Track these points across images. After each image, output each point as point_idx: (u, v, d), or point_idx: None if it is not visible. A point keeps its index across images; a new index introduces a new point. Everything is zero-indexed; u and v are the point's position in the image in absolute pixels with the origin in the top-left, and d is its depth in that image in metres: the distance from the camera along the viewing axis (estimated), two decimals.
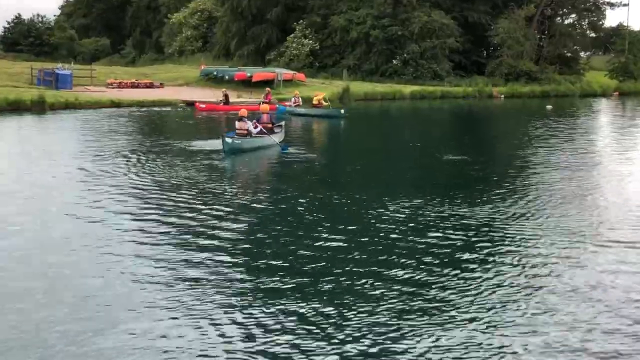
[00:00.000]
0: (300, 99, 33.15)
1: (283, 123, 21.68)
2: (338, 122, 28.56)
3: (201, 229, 9.60)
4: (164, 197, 11.82)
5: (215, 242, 8.94)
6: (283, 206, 11.21)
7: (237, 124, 18.79)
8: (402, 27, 56.63)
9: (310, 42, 60.32)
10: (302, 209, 11.00)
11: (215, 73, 47.86)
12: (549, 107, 40.41)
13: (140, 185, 12.78)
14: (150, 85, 45.17)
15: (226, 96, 33.69)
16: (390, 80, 55.52)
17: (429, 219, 10.38)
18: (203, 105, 32.93)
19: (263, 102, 32.59)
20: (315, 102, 31.67)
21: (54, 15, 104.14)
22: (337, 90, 45.63)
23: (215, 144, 18.89)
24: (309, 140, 22.93)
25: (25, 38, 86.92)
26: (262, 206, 11.18)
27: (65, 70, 41.56)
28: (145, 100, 36.27)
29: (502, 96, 52.95)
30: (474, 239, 9.34)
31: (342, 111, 29.86)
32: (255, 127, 18.89)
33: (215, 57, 68.68)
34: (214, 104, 33.38)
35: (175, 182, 13.11)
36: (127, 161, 15.65)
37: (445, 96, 50.83)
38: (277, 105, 33.01)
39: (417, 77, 55.94)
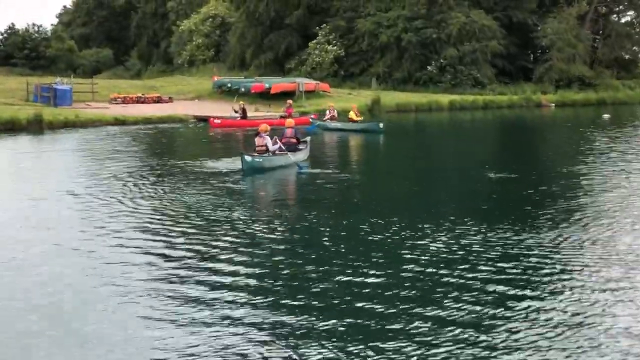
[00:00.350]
0: (335, 111, 33.49)
1: (308, 139, 21.69)
2: (376, 137, 28.47)
3: (216, 263, 9.53)
4: (174, 226, 11.80)
5: (232, 278, 8.86)
6: (307, 236, 11.10)
7: (256, 140, 19.09)
8: (437, 29, 56.73)
9: (335, 48, 60.63)
10: (330, 238, 10.90)
11: (229, 85, 48.27)
12: (605, 116, 39.98)
13: (148, 212, 12.79)
14: (158, 100, 45.66)
15: (243, 110, 33.96)
16: (425, 90, 55.51)
17: (475, 248, 10.19)
18: (218, 121, 33.26)
19: (283, 116, 32.89)
20: (351, 115, 31.92)
21: (51, 25, 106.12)
22: (366, 102, 45.69)
23: (232, 163, 19.11)
24: (339, 158, 22.88)
25: (20, 50, 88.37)
26: (283, 236, 11.09)
27: (64, 85, 42.25)
28: (152, 116, 36.65)
29: (553, 105, 52.59)
30: (524, 271, 9.14)
31: (381, 125, 29.94)
32: (275, 144, 19.10)
33: (229, 68, 69.33)
34: (230, 119, 33.63)
35: (186, 209, 13.10)
36: (134, 186, 15.70)
37: (488, 106, 50.62)
38: (311, 120, 33.17)
39: (455, 85, 55.89)
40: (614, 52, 63.23)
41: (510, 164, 20.72)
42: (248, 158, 17.77)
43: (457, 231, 11.14)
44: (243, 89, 45.92)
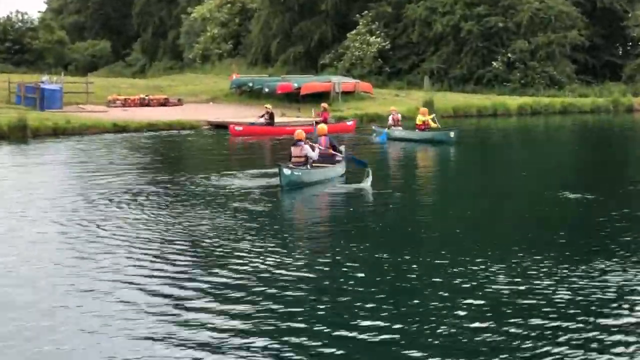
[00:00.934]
0: (399, 115, 33.40)
1: (343, 148, 21.65)
2: (446, 149, 28.29)
3: (244, 307, 9.52)
4: (191, 257, 11.81)
5: (263, 328, 8.87)
6: (361, 274, 10.99)
7: (293, 150, 19.43)
8: (504, 17, 56.58)
9: (379, 40, 60.75)
10: (387, 271, 10.88)
11: (250, 84, 48.56)
12: None
13: (155, 240, 12.81)
14: (165, 103, 46.01)
15: (270, 115, 34.06)
16: (489, 90, 55.28)
17: (543, 291, 10.07)
18: (239, 128, 33.56)
19: (317, 122, 32.95)
20: (419, 122, 31.24)
21: (38, 12, 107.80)
22: (416, 105, 45.56)
23: (258, 179, 19.45)
24: (398, 174, 22.80)
25: (1, 42, 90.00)
26: (326, 270, 11.06)
27: (52, 84, 42.84)
28: (158, 122, 36.96)
29: None
30: (613, 319, 9.01)
31: (452, 134, 29.79)
32: (314, 150, 19.56)
33: (250, 64, 69.78)
34: (255, 126, 33.77)
35: (205, 236, 13.09)
36: (137, 207, 15.74)
37: (567, 110, 50.19)
38: (375, 128, 33.32)
39: (526, 84, 55.61)
40: None
41: (592, 182, 20.47)
42: (287, 171, 17.99)
43: (524, 267, 11.03)
44: (267, 90, 46.10)
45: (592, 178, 21.82)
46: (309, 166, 19.21)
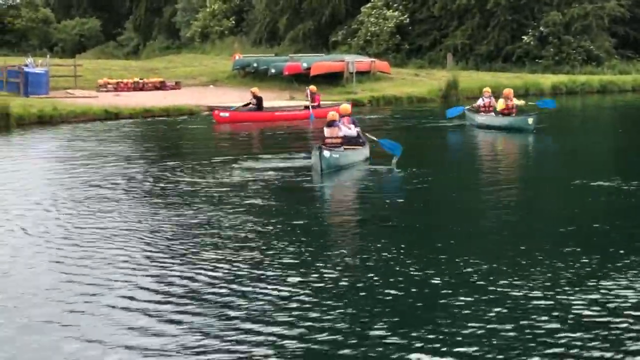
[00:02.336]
0: (493, 99, 30.30)
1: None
2: (524, 137, 27.01)
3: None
4: (205, 265, 11.84)
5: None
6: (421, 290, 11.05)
7: (327, 131, 20.29)
8: None
9: (397, 14, 60.68)
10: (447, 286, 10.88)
11: (255, 65, 48.62)
12: None
13: (161, 248, 12.81)
14: (161, 86, 46.14)
15: (258, 99, 33.61)
16: (519, 68, 55.24)
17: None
18: (225, 114, 32.84)
19: (310, 107, 33.31)
20: (502, 106, 29.07)
21: None
22: (439, 85, 45.51)
23: (284, 163, 20.22)
24: (450, 167, 22.57)
25: None
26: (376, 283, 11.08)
27: (37, 67, 42.92)
28: (154, 107, 37.06)
29: None
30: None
31: (530, 121, 27.74)
32: (351, 128, 20.52)
33: (255, 42, 69.86)
34: (243, 112, 33.33)
35: (228, 240, 13.06)
36: (137, 206, 15.75)
37: (607, 89, 50.01)
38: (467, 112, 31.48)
39: (560, 61, 55.50)
40: None
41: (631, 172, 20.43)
42: (327, 153, 18.64)
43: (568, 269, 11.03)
44: (273, 71, 46.17)
45: (632, 167, 21.73)
46: (343, 148, 19.92)
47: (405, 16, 60.92)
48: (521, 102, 29.68)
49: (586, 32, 56.17)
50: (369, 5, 61.85)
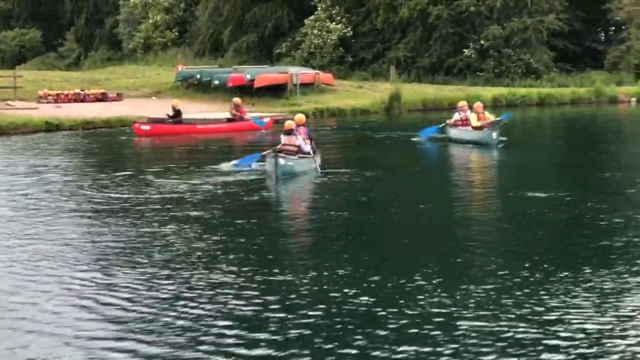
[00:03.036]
0: (469, 113, 29.10)
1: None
2: (489, 152, 26.66)
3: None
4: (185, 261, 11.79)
5: None
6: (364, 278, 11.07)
7: (285, 139, 21.00)
8: (476, 0, 56.86)
9: (340, 26, 60.91)
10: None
11: (198, 76, 48.43)
12: None
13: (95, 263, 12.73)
14: (102, 98, 45.70)
15: (177, 112, 33.21)
16: (460, 81, 55.73)
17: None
18: (146, 127, 32.42)
19: (233, 119, 33.65)
20: (475, 121, 28.43)
21: None
22: (382, 97, 45.82)
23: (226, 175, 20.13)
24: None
25: None
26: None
27: None
28: (95, 119, 36.81)
29: (633, 100, 52.64)
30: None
31: (494, 135, 27.36)
32: (306, 144, 21.22)
33: (198, 53, 69.60)
34: (164, 125, 32.92)
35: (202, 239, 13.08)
36: (78, 224, 15.67)
37: (545, 102, 50.70)
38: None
39: (500, 74, 56.13)
40: None
41: (575, 181, 20.75)
42: (282, 161, 19.50)
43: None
44: (217, 82, 46.01)
45: (574, 176, 22.09)
46: (297, 156, 20.61)
47: (349, 29, 61.16)
48: (492, 117, 29.13)
49: (525, 46, 56.93)
50: (312, 17, 61.98)
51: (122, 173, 21.52)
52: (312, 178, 20.44)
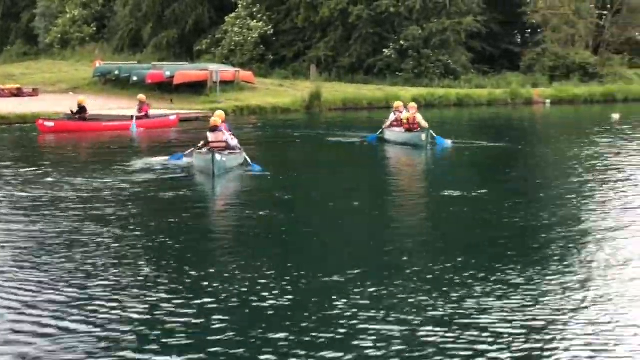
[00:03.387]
0: (404, 113, 29.16)
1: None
2: (419, 153, 26.83)
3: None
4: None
5: None
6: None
7: (212, 136, 21.23)
8: (396, 0, 57.33)
9: (261, 24, 60.78)
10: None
11: (117, 72, 47.99)
12: (615, 116, 40.91)
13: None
14: (18, 93, 45.01)
15: (81, 108, 32.80)
16: (380, 81, 56.09)
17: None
18: (51, 124, 31.95)
19: (138, 117, 33.27)
20: (403, 119, 28.60)
21: None
22: (302, 96, 45.89)
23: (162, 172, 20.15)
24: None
25: None
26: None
27: None
28: (10, 115, 36.29)
29: (547, 102, 53.74)
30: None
31: (423, 137, 27.34)
32: (233, 139, 21.60)
33: (117, 49, 68.77)
34: (69, 122, 32.47)
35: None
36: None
37: (463, 103, 51.37)
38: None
39: (419, 74, 56.66)
40: (626, 32, 64.98)
41: (491, 183, 21.09)
42: (218, 157, 19.72)
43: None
44: (135, 78, 45.65)
45: (493, 177, 22.46)
46: (227, 152, 20.94)
47: (270, 27, 61.06)
48: (425, 124, 28.96)
49: (444, 47, 57.56)
50: (233, 15, 61.72)
51: (26, 170, 21.17)
52: (240, 175, 20.70)
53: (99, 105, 39.33)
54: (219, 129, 21.31)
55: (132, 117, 33.22)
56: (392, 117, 29.91)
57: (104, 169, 21.30)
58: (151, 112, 34.46)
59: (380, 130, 30.03)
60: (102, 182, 18.95)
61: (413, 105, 29.49)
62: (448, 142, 27.83)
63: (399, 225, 15.15)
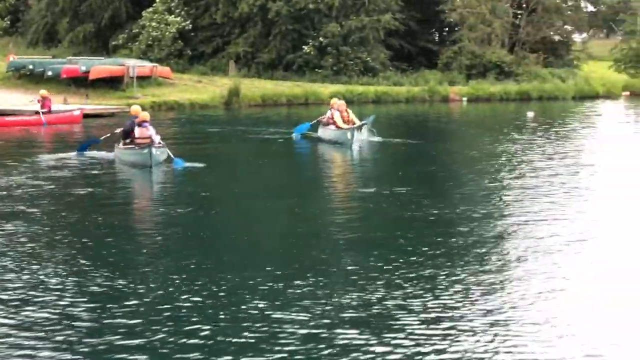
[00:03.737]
0: (337, 112, 28.95)
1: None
2: (345, 150, 27.13)
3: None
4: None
5: None
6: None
7: (139, 131, 21.68)
8: None
9: (179, 19, 60.21)
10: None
11: (31, 67, 47.12)
12: (530, 114, 41.78)
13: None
14: None
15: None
16: (299, 77, 56.12)
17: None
18: None
19: (42, 112, 32.96)
20: (339, 120, 28.61)
21: None
22: (221, 92, 45.69)
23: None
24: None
25: None
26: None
27: None
28: None
29: (464, 99, 54.48)
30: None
31: (349, 135, 27.65)
32: (157, 135, 22.08)
33: (31, 43, 67.39)
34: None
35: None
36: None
37: (381, 100, 51.77)
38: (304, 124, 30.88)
39: (339, 71, 56.81)
40: (541, 31, 66.10)
41: (407, 179, 21.27)
42: (155, 150, 20.63)
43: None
44: (50, 73, 44.92)
45: (407, 174, 22.67)
46: (155, 148, 21.27)
47: (188, 22, 60.48)
48: (356, 119, 29.00)
49: (363, 44, 57.81)
50: (150, 9, 60.96)
51: None
52: (164, 171, 21.24)
53: (11, 99, 38.54)
54: (144, 124, 21.70)
55: (36, 112, 32.82)
56: (328, 114, 29.83)
57: (10, 165, 20.90)
58: (54, 107, 34.12)
59: (316, 121, 30.31)
60: (12, 180, 18.55)
61: (341, 103, 29.79)
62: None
63: (319, 223, 15.25)
